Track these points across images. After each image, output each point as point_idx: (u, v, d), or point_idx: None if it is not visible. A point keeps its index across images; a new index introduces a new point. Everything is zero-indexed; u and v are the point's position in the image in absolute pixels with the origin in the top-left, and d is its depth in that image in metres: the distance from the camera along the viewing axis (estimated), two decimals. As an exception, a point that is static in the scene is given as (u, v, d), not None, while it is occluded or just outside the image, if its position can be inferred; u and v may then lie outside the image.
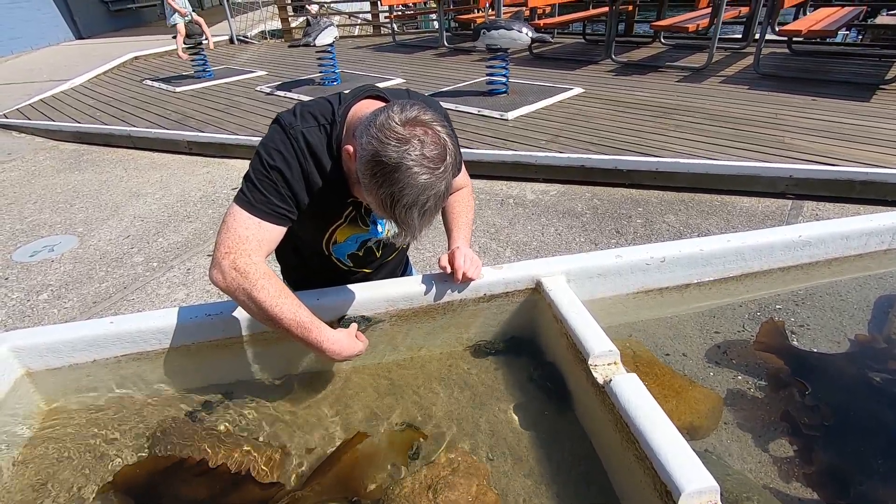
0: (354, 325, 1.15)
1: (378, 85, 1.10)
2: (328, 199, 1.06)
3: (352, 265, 1.25)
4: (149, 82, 6.60)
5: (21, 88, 6.62)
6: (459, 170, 1.08)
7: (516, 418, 1.14)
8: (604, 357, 1.04)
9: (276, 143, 1.00)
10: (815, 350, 1.32)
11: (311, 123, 1.02)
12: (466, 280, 1.22)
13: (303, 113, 1.03)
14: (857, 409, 1.15)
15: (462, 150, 1.09)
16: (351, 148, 0.94)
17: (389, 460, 1.06)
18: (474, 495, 0.98)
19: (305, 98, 5.32)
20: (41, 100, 6.09)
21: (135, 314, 1.22)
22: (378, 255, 1.26)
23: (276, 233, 1.02)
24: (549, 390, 1.19)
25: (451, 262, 1.21)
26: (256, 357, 1.26)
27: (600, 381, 1.00)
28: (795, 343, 1.34)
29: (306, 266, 1.29)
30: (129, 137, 4.71)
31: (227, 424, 1.16)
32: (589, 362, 1.04)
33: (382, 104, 0.96)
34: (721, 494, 0.79)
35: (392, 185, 0.85)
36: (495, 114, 4.47)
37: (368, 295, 1.24)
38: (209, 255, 2.81)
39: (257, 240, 0.99)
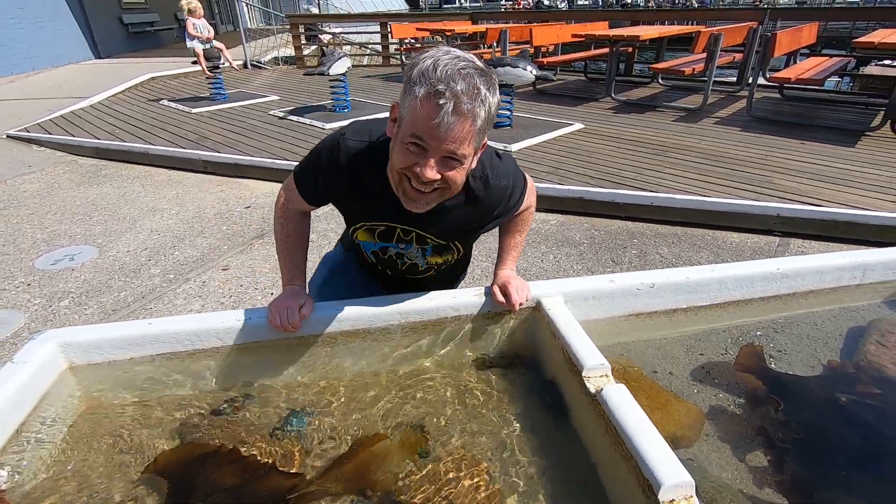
0: (309, 303, 1.30)
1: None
2: (367, 200, 1.22)
3: (374, 261, 1.40)
4: (166, 102, 6.84)
5: (42, 104, 6.85)
6: (490, 125, 1.02)
7: (516, 424, 1.25)
8: (596, 370, 1.16)
9: (324, 143, 1.21)
10: (790, 373, 1.44)
11: (361, 138, 1.18)
12: (521, 306, 1.37)
13: (361, 129, 1.20)
14: (825, 426, 1.27)
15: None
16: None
17: (400, 458, 1.17)
18: (476, 492, 1.08)
19: (318, 123, 5.56)
20: (61, 115, 6.30)
21: (171, 317, 1.34)
22: (399, 268, 1.40)
23: (302, 204, 1.32)
24: (547, 400, 1.31)
25: (505, 294, 1.35)
26: (278, 361, 1.37)
27: (592, 390, 1.12)
28: (773, 366, 1.46)
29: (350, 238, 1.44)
30: (147, 155, 4.89)
31: (249, 421, 1.26)
32: (583, 374, 1.16)
33: None
34: (696, 490, 0.90)
35: (414, 67, 0.95)
36: (500, 146, 4.66)
37: (383, 309, 1.36)
38: (224, 269, 2.93)
39: (292, 193, 1.31)
